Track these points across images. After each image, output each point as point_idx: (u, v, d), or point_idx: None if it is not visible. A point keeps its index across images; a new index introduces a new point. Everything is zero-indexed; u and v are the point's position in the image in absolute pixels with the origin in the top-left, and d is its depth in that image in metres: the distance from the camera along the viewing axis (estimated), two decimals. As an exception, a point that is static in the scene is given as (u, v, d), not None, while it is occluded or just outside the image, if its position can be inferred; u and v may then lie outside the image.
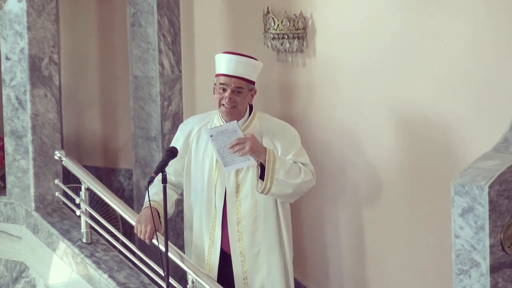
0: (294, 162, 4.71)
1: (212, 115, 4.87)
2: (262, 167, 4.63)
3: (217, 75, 4.74)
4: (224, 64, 4.69)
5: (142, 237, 4.69)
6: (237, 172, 4.74)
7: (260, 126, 4.79)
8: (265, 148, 4.63)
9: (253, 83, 4.75)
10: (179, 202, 5.01)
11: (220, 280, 4.73)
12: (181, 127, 4.94)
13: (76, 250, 5.15)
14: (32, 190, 5.30)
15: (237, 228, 4.75)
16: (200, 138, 4.84)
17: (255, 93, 4.78)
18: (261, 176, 4.63)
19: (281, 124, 4.86)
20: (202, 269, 4.73)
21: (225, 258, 4.79)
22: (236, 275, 4.77)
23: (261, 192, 4.64)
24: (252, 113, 4.80)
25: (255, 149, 4.59)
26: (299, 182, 4.66)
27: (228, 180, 4.76)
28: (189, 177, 4.86)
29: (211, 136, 4.57)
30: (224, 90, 4.68)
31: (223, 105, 4.68)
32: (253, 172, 4.71)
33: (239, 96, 4.69)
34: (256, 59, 4.77)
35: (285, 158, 4.70)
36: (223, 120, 4.75)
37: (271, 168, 4.60)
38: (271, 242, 4.78)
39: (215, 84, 4.74)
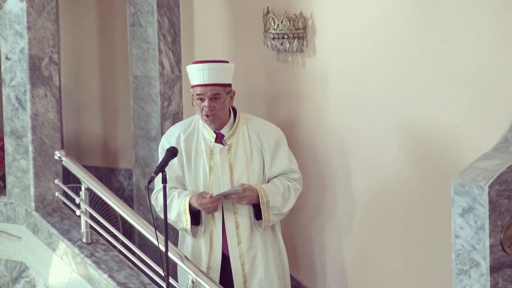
0: (282, 176, 4.79)
1: (195, 120, 4.87)
2: (254, 204, 4.74)
3: (192, 86, 4.77)
4: (196, 74, 4.72)
5: (211, 211, 4.71)
6: (232, 176, 4.76)
7: (248, 129, 4.81)
8: (256, 190, 4.70)
9: (229, 85, 4.77)
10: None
11: (219, 282, 4.73)
12: (165, 137, 4.89)
13: (76, 250, 5.15)
14: (32, 190, 5.30)
15: (236, 232, 4.76)
16: (190, 147, 4.82)
17: (234, 94, 4.82)
18: (256, 214, 4.75)
19: (267, 124, 4.91)
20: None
21: (223, 262, 4.80)
22: (236, 278, 4.77)
23: (262, 230, 4.78)
24: (237, 117, 4.82)
25: (251, 201, 4.71)
26: (291, 207, 4.81)
27: (223, 186, 4.76)
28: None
29: None
30: (202, 100, 4.72)
31: (205, 114, 4.72)
32: (247, 175, 4.75)
33: (217, 102, 4.72)
34: (227, 62, 4.84)
35: (274, 171, 4.79)
36: (209, 127, 4.77)
37: (266, 210, 4.72)
38: (267, 243, 4.81)
39: (193, 95, 4.77)
